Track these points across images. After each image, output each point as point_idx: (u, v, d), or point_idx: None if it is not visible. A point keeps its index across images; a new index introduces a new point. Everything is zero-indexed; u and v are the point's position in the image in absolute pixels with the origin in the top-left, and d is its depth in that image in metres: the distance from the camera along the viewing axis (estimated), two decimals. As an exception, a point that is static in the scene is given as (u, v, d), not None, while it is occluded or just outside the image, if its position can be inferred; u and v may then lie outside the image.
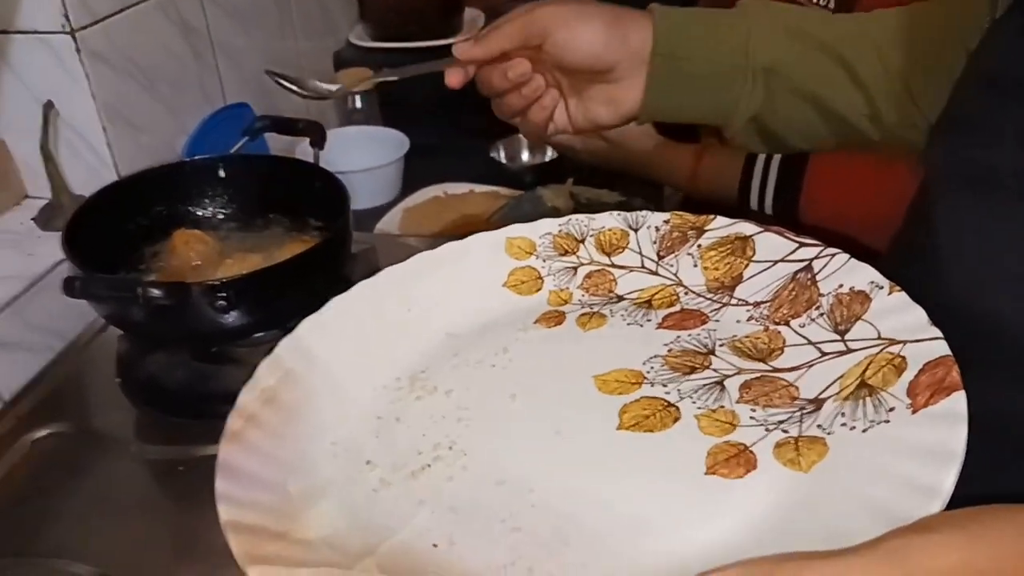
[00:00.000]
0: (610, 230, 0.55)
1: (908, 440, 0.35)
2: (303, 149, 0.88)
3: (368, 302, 0.51)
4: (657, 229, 0.54)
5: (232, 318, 0.60)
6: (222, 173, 0.76)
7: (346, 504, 0.40)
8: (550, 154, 1.05)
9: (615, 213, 0.55)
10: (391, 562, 0.36)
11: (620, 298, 0.52)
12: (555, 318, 0.51)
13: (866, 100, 0.57)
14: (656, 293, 0.52)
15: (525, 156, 1.09)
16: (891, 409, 0.37)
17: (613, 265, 0.54)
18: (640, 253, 0.54)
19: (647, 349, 0.47)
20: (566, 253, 0.55)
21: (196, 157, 0.79)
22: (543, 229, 0.56)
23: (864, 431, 0.37)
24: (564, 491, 0.39)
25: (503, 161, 1.06)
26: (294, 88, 0.66)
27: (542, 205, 0.91)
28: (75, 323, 0.73)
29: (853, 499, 0.34)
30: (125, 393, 0.65)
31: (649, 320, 0.49)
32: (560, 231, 0.56)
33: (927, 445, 0.34)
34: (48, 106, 0.75)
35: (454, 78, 0.59)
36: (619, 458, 0.40)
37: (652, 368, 0.45)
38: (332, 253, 0.66)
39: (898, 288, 0.43)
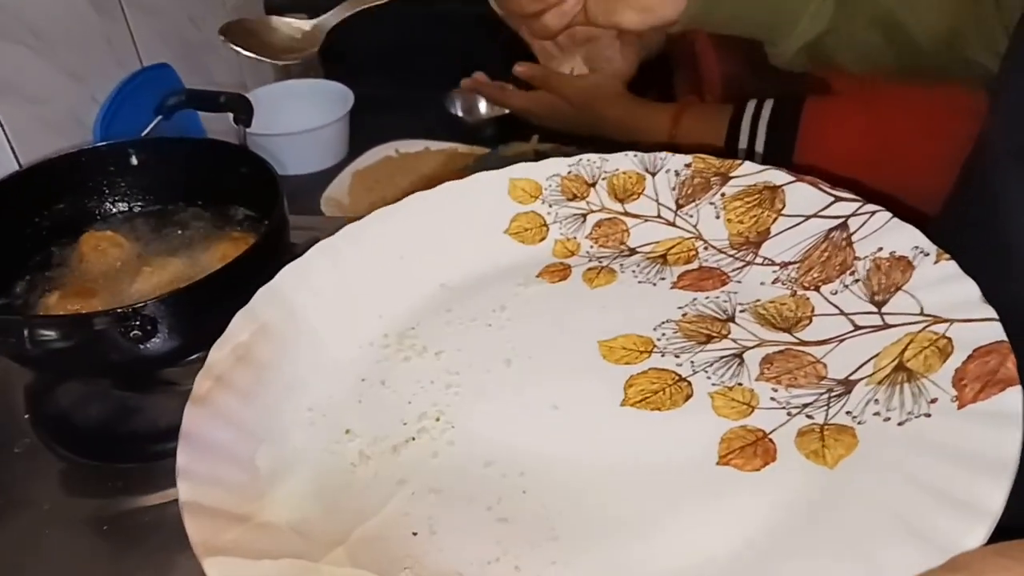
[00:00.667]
0: (624, 173, 0.50)
1: (951, 441, 0.30)
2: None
3: (355, 248, 0.47)
4: (677, 173, 0.49)
5: (153, 346, 0.49)
6: (134, 160, 0.65)
7: (319, 481, 0.36)
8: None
9: (631, 154, 0.50)
10: (364, 552, 0.33)
11: (632, 251, 0.47)
12: (560, 272, 0.47)
13: (949, 25, 0.50)
14: (672, 247, 0.47)
15: (483, 108, 0.98)
16: (933, 401, 0.32)
17: (626, 213, 0.49)
18: (656, 200, 0.48)
19: (659, 312, 0.42)
20: (575, 198, 0.50)
21: (100, 143, 0.67)
22: (551, 170, 0.50)
23: (900, 424, 0.33)
24: (557, 477, 0.35)
25: (460, 114, 0.96)
26: (257, 57, 0.58)
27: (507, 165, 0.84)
28: None
29: (882, 507, 0.29)
30: (36, 433, 0.54)
31: (663, 278, 0.45)
32: (569, 172, 0.50)
33: (974, 450, 0.29)
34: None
35: None
36: (621, 440, 0.36)
37: (664, 335, 0.41)
38: (265, 256, 0.53)
39: (947, 256, 0.37)
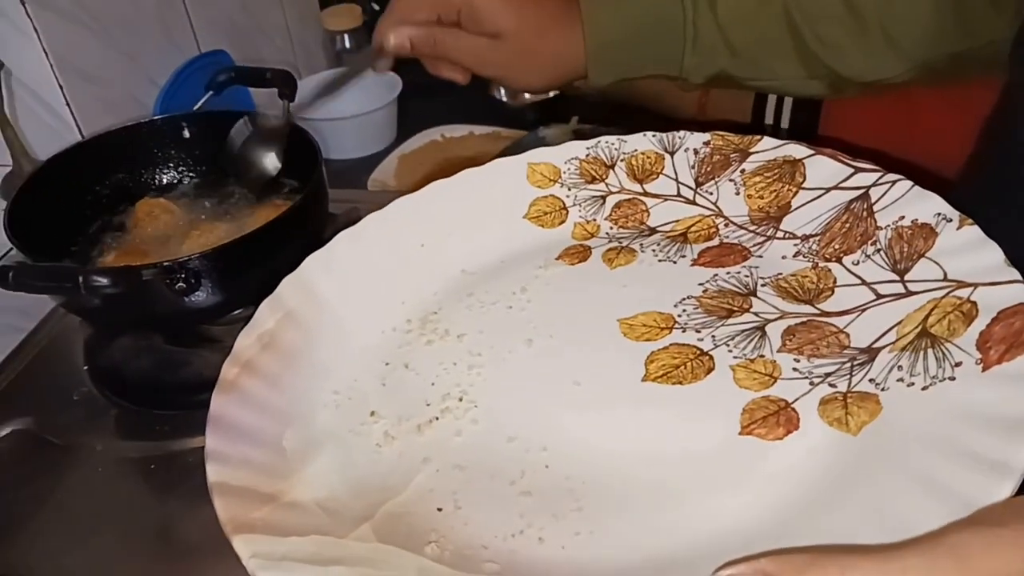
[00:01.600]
0: (643, 153, 0.50)
1: (976, 403, 0.30)
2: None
3: (378, 235, 0.48)
4: (696, 152, 0.49)
5: (197, 299, 0.53)
6: (186, 133, 0.69)
7: (344, 461, 0.37)
8: (553, 91, 0.98)
9: (649, 134, 0.50)
10: (390, 528, 0.33)
11: (652, 230, 0.47)
12: (579, 253, 0.47)
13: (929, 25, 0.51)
14: (693, 225, 0.47)
15: (527, 93, 0.99)
16: (957, 364, 0.32)
17: (645, 193, 0.49)
18: (676, 179, 0.48)
19: (680, 289, 0.42)
20: (594, 180, 0.50)
21: (156, 117, 0.71)
22: (569, 153, 0.51)
23: (924, 388, 0.32)
24: (580, 450, 0.35)
25: (504, 99, 0.98)
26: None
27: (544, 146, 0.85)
28: (45, 300, 0.63)
29: (908, 471, 0.29)
30: (92, 383, 0.59)
31: (683, 256, 0.45)
32: (588, 155, 0.50)
33: (999, 411, 0.29)
34: (-3, 65, 0.68)
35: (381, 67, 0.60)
36: (643, 414, 0.36)
37: (684, 311, 0.41)
38: (304, 218, 0.57)
39: (970, 221, 0.37)
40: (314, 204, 0.59)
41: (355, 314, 0.44)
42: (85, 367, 0.60)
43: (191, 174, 0.70)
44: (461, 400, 0.39)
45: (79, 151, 0.65)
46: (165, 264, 0.51)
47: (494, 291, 0.45)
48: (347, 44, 1.04)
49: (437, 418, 0.38)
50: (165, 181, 0.70)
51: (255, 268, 0.52)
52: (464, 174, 0.50)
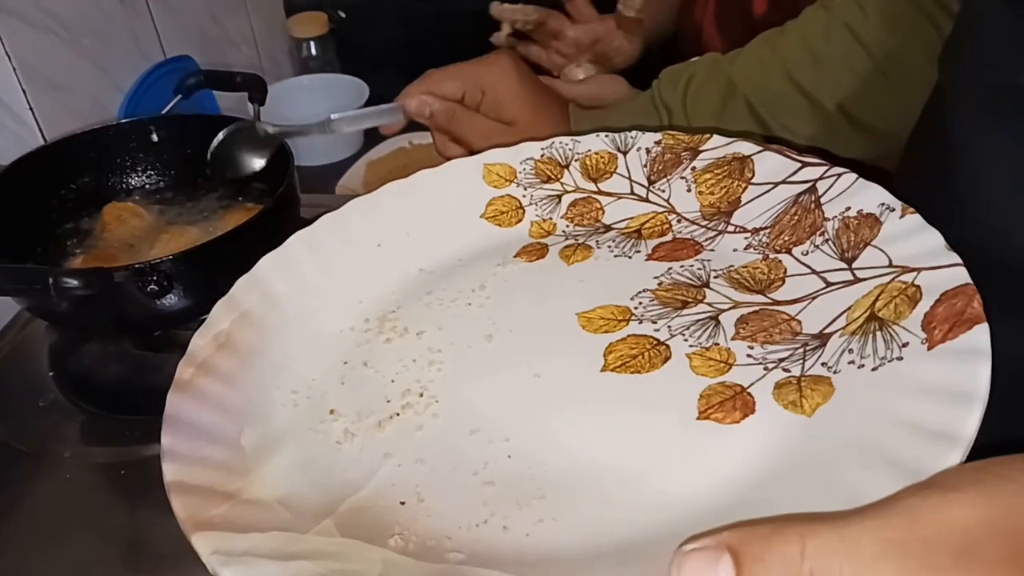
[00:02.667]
0: (596, 153, 0.50)
1: (924, 379, 0.31)
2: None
3: (333, 235, 0.47)
4: (648, 151, 0.49)
5: (168, 302, 0.53)
6: (155, 137, 0.69)
7: (305, 458, 0.36)
8: None
9: (602, 135, 0.51)
10: (352, 522, 0.33)
11: (607, 228, 0.48)
12: (537, 251, 0.47)
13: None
14: (646, 221, 0.47)
15: None
16: (904, 345, 0.33)
17: (600, 192, 0.49)
18: (629, 178, 0.49)
19: (635, 283, 0.43)
20: (549, 180, 0.50)
21: (123, 120, 0.71)
22: (524, 154, 0.51)
23: (874, 369, 0.33)
24: (542, 440, 0.35)
25: None
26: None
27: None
28: (8, 307, 0.64)
29: (862, 446, 0.30)
30: (59, 389, 0.58)
31: (638, 251, 0.45)
32: (543, 155, 0.51)
33: (945, 385, 0.30)
34: (-41, 70, 0.67)
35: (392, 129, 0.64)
36: (603, 403, 0.37)
37: (641, 304, 0.41)
38: (276, 222, 0.57)
39: (912, 210, 0.38)
40: (286, 208, 0.60)
41: (312, 314, 0.44)
42: (51, 373, 0.59)
43: (160, 178, 0.69)
44: (422, 396, 0.39)
45: (44, 154, 0.65)
46: (137, 266, 0.51)
47: (452, 289, 0.45)
48: (313, 51, 1.05)
49: (398, 414, 0.38)
50: (133, 185, 0.69)
51: (227, 271, 0.50)
52: (420, 174, 0.50)
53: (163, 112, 0.74)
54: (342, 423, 0.38)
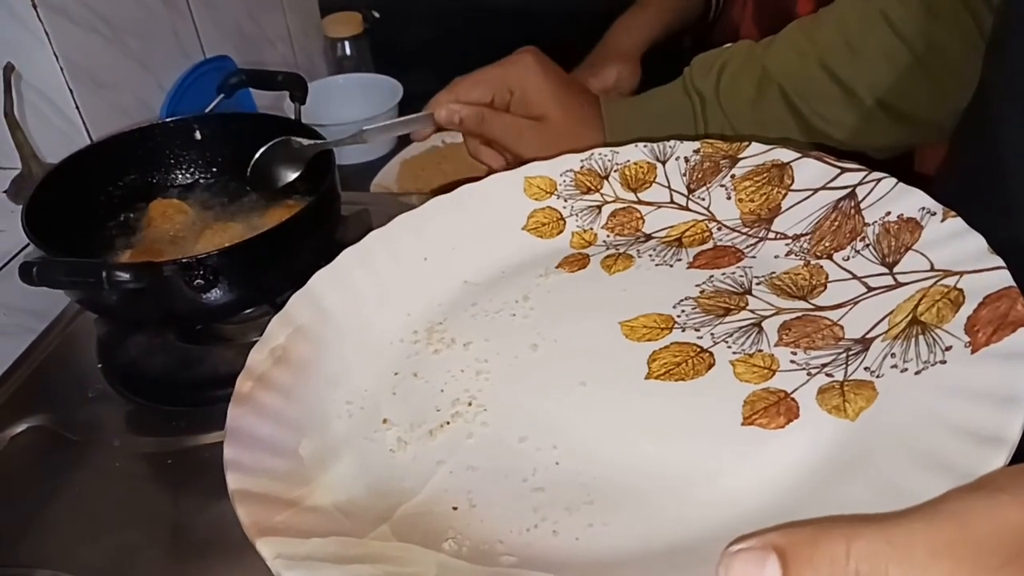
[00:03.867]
0: (636, 164, 0.51)
1: (967, 382, 0.31)
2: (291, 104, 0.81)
3: (382, 251, 0.49)
4: (687, 160, 0.50)
5: (214, 296, 0.54)
6: (198, 135, 0.70)
7: (361, 466, 0.38)
8: None
9: (641, 145, 0.52)
10: (408, 527, 0.34)
11: (648, 237, 0.49)
12: (578, 261, 0.48)
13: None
14: (687, 230, 0.48)
15: None
16: (948, 348, 0.34)
17: (640, 202, 0.50)
18: (669, 187, 0.50)
19: (677, 291, 0.44)
20: (589, 191, 0.51)
21: (168, 119, 0.73)
22: (564, 166, 0.52)
23: (917, 373, 0.34)
24: (589, 447, 0.36)
25: None
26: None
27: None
28: (57, 301, 0.66)
29: (906, 450, 0.30)
30: (107, 380, 0.59)
31: (679, 259, 0.46)
32: (582, 167, 0.52)
33: (989, 388, 0.30)
34: (8, 68, 0.69)
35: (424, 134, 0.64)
36: (648, 410, 0.37)
37: (683, 312, 0.42)
38: (318, 219, 0.59)
39: (953, 213, 0.39)
40: (328, 204, 0.61)
41: (363, 327, 0.46)
42: (99, 365, 0.61)
43: (203, 175, 0.71)
44: (471, 405, 0.40)
45: (94, 152, 0.67)
46: (185, 260, 0.52)
47: (497, 300, 0.46)
48: (347, 51, 1.07)
49: (448, 423, 0.39)
50: (178, 182, 0.71)
51: (270, 267, 0.53)
52: (463, 189, 0.52)
53: (206, 111, 0.76)
54: (395, 432, 0.40)
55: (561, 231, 0.51)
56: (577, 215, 0.51)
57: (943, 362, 0.33)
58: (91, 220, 0.65)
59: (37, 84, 0.70)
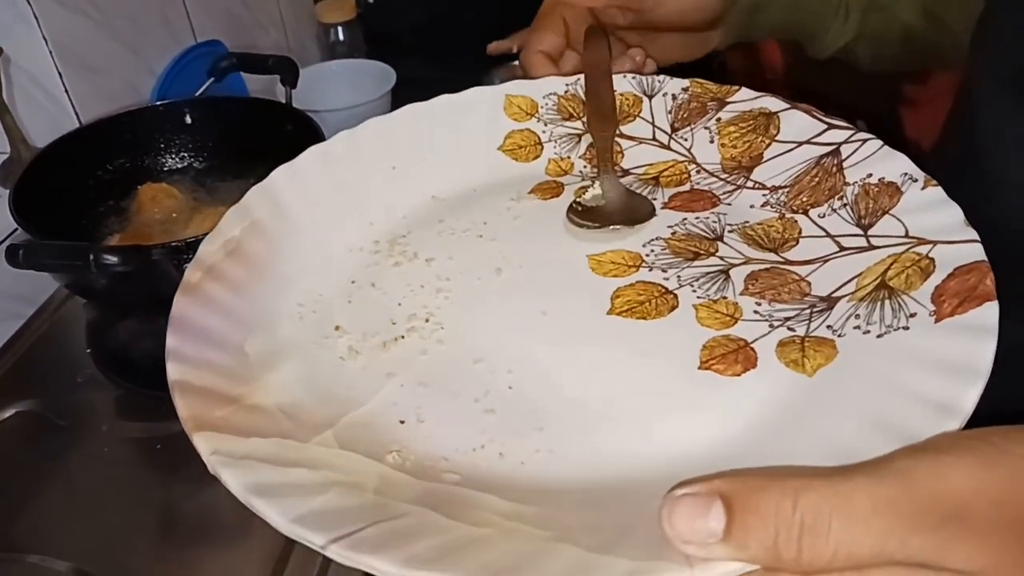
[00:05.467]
0: (622, 95, 0.50)
1: (928, 351, 0.31)
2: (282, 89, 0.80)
3: (348, 153, 0.47)
4: (674, 97, 0.49)
5: None
6: (188, 119, 0.70)
7: (308, 370, 0.37)
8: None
9: (629, 76, 0.50)
10: (352, 436, 0.33)
11: (625, 172, 0.48)
12: (552, 189, 0.47)
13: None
14: (665, 169, 0.47)
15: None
16: (912, 315, 0.33)
17: (621, 135, 0.49)
18: (652, 123, 0.49)
19: (649, 230, 0.43)
20: (571, 118, 0.50)
21: (158, 103, 0.72)
22: (548, 88, 0.50)
23: (879, 336, 0.34)
24: (544, 375, 0.36)
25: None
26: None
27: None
28: (46, 286, 0.65)
29: (860, 410, 0.30)
30: (96, 365, 0.59)
31: (655, 199, 0.45)
32: (567, 91, 0.50)
33: (949, 358, 0.30)
34: (-4, 52, 0.66)
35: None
36: (606, 345, 0.37)
37: (652, 251, 0.41)
38: None
39: (934, 182, 0.38)
40: None
41: (322, 230, 0.44)
42: (88, 350, 0.60)
43: (193, 159, 0.70)
44: (427, 321, 0.39)
45: (82, 136, 0.65)
46: (174, 244, 0.51)
47: (465, 219, 0.45)
48: (340, 36, 1.05)
49: (403, 336, 0.39)
50: (168, 166, 0.70)
51: None
52: (441, 99, 0.50)
53: (196, 95, 0.74)
54: (347, 340, 0.39)
55: (537, 156, 0.49)
56: (556, 141, 0.49)
57: (906, 328, 0.33)
58: (80, 204, 0.64)
59: (26, 68, 0.68)
